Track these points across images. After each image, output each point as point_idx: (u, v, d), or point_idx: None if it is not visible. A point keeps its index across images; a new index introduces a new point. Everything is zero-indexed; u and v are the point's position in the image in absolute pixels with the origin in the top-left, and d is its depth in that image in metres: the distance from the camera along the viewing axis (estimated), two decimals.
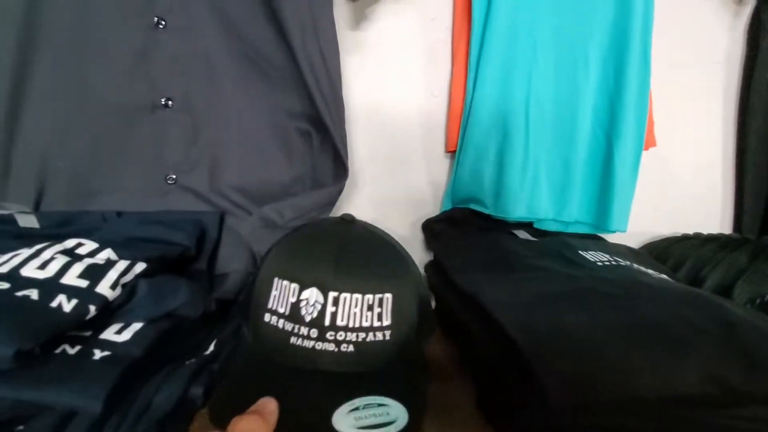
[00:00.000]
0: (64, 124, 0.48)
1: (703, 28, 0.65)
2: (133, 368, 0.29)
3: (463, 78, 0.57)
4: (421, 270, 0.60)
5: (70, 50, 0.47)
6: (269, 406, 0.26)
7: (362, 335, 0.32)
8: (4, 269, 0.29)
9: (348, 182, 0.58)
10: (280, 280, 0.33)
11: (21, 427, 0.26)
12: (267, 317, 0.33)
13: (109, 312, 0.32)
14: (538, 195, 0.57)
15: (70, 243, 0.34)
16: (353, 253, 0.34)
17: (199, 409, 0.33)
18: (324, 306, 0.31)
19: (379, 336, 0.33)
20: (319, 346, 0.31)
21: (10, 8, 0.45)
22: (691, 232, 0.64)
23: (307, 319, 0.31)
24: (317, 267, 0.33)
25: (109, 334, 0.31)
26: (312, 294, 0.32)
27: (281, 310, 0.32)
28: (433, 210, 0.62)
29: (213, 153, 0.52)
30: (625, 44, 0.54)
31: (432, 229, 0.59)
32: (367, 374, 0.31)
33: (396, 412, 0.29)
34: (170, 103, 0.50)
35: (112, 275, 0.32)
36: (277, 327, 0.32)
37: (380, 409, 0.28)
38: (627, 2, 0.53)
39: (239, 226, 0.49)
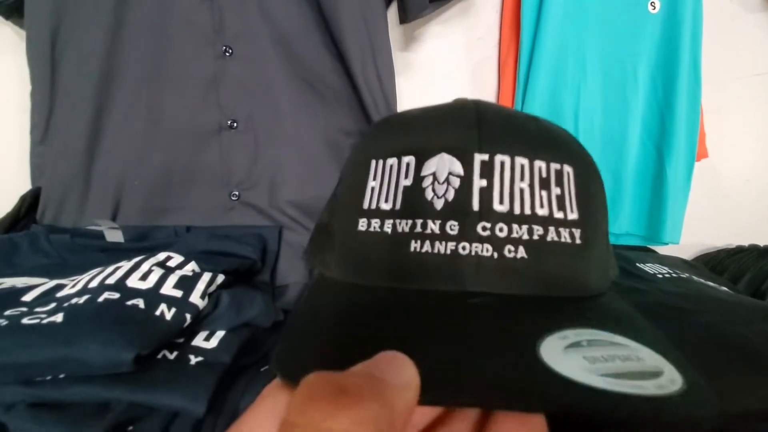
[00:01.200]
0: (140, 147, 0.52)
1: (751, 39, 0.65)
2: (225, 373, 0.31)
3: (511, 93, 0.58)
4: None
5: (147, 80, 0.51)
6: (401, 370, 0.11)
7: (539, 230, 0.19)
8: (112, 280, 0.31)
9: None
10: (382, 161, 0.21)
11: (131, 428, 0.28)
12: (362, 224, 0.20)
13: (198, 320, 0.34)
14: None
15: (161, 256, 0.37)
16: (499, 117, 0.22)
17: None
18: (468, 179, 0.18)
19: (566, 236, 0.19)
20: (465, 248, 0.18)
21: (95, 46, 0.49)
22: (745, 243, 0.63)
23: (439, 205, 0.18)
24: (446, 127, 0.21)
25: (199, 341, 0.34)
26: (443, 162, 0.19)
27: (386, 207, 0.20)
28: None
29: (273, 171, 0.55)
30: (675, 59, 0.55)
31: None
32: (559, 300, 0.18)
33: (651, 360, 0.16)
34: (235, 125, 0.53)
35: (200, 286, 0.35)
36: (382, 233, 0.19)
37: (622, 351, 0.15)
38: (675, 20, 0.54)
39: (297, 241, 0.51)
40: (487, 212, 0.18)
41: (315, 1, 0.51)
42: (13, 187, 0.52)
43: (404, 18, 0.51)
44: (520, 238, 0.18)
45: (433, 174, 0.19)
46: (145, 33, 0.51)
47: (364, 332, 0.16)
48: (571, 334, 0.16)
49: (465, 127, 0.20)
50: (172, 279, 0.33)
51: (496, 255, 0.18)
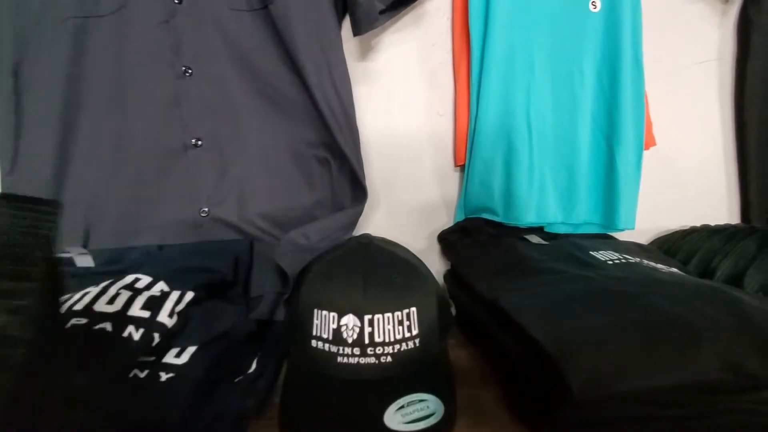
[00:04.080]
0: (108, 169, 0.53)
1: (693, 29, 0.68)
2: (197, 386, 0.33)
3: (466, 97, 0.60)
4: (440, 279, 0.63)
5: (110, 104, 0.52)
6: None
7: (397, 346, 0.37)
8: (80, 306, 0.33)
9: (367, 203, 0.62)
10: (320, 311, 0.38)
11: None
12: (313, 343, 0.38)
13: (168, 338, 0.36)
14: (545, 200, 0.60)
15: (129, 279, 0.38)
16: (377, 276, 0.40)
17: (253, 421, 0.36)
18: (362, 328, 0.37)
19: (411, 344, 0.38)
20: (363, 360, 0.37)
21: (57, 74, 0.50)
22: (698, 224, 0.66)
23: (349, 341, 0.37)
24: (349, 295, 0.38)
25: (170, 357, 0.35)
26: (350, 320, 0.37)
27: (325, 336, 0.38)
28: (447, 222, 0.65)
29: (240, 185, 0.56)
30: (617, 55, 0.58)
31: (447, 240, 0.63)
32: (405, 376, 0.37)
33: (434, 405, 0.35)
34: (200, 142, 0.55)
35: (168, 305, 0.36)
36: (323, 350, 0.38)
37: (421, 404, 0.35)
38: (615, 17, 0.57)
39: (268, 252, 0.52)
40: (372, 343, 0.37)
41: (269, 18, 0.52)
42: None
43: (357, 31, 0.53)
44: (389, 352, 0.37)
45: (346, 325, 0.37)
46: (105, 58, 0.52)
47: (317, 398, 0.37)
48: (402, 401, 0.35)
49: (356, 292, 0.38)
50: (140, 300, 0.35)
51: (377, 362, 0.37)
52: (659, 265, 0.49)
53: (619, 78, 0.58)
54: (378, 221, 0.64)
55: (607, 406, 0.32)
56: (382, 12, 0.53)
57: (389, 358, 0.37)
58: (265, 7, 0.52)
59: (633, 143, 0.59)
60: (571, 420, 0.33)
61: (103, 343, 0.30)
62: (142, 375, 0.32)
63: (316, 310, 0.38)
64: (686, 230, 0.64)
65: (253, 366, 0.43)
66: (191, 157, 0.54)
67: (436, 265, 0.65)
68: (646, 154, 0.64)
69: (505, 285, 0.46)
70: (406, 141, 0.64)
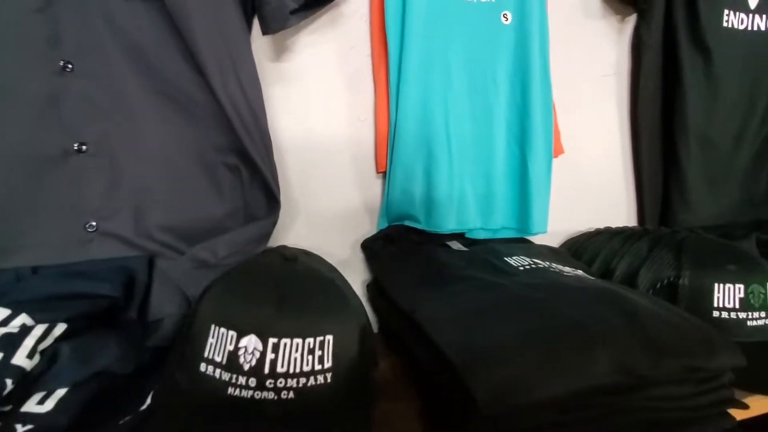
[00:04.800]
0: None
1: (595, 45, 0.73)
2: None
3: (386, 102, 0.59)
4: (363, 290, 0.62)
5: None
6: None
7: (303, 380, 0.32)
8: None
9: (286, 211, 0.59)
10: (218, 327, 0.32)
11: None
12: (203, 367, 0.32)
13: (29, 382, 0.30)
14: (465, 207, 0.61)
15: None
16: (293, 294, 0.34)
17: None
18: (263, 353, 0.31)
19: (321, 379, 0.33)
20: (258, 395, 0.31)
21: None
22: (602, 226, 0.72)
23: (246, 367, 0.31)
24: (256, 311, 0.32)
25: (31, 405, 0.30)
26: (250, 341, 0.31)
27: (218, 359, 0.32)
28: (370, 230, 0.64)
29: (137, 195, 0.50)
30: (527, 66, 0.60)
31: (370, 248, 0.61)
32: (310, 414, 0.32)
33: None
34: (84, 147, 0.48)
35: (28, 343, 0.31)
36: (213, 377, 0.31)
37: None
38: (525, 30, 0.59)
39: (170, 269, 0.47)
40: (273, 373, 0.31)
41: (166, 12, 0.47)
42: None
43: (265, 30, 0.50)
44: (292, 386, 0.31)
45: (245, 347, 0.31)
46: None
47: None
48: None
49: (269, 314, 0.32)
50: None
51: (276, 398, 0.31)
52: (566, 269, 0.51)
53: (530, 88, 0.60)
54: (298, 230, 0.61)
55: (514, 417, 0.32)
56: (294, 12, 0.50)
57: (291, 394, 0.31)
58: None
59: (543, 150, 0.62)
60: None
61: None
62: None
63: (213, 327, 0.32)
64: (592, 232, 0.69)
65: (147, 401, 0.38)
66: (73, 164, 0.47)
67: (360, 276, 0.64)
68: (555, 161, 0.68)
69: (422, 295, 0.46)
70: (326, 146, 0.61)
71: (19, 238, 0.46)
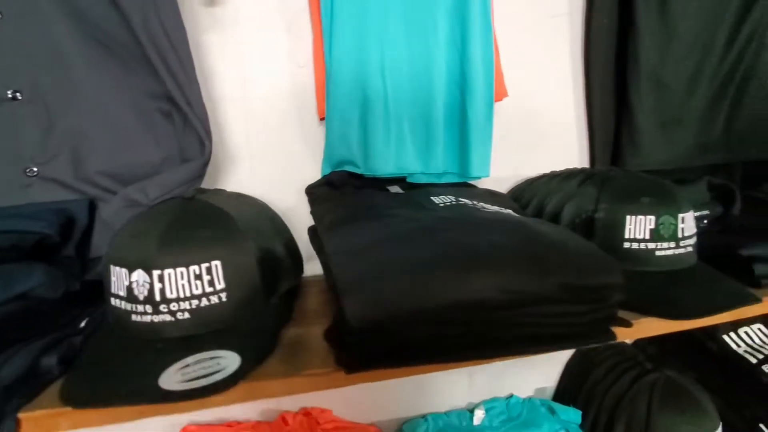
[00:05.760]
0: None
1: None
2: None
3: (322, 47, 0.59)
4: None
5: None
6: None
7: (195, 302, 0.35)
8: None
9: (229, 157, 0.61)
10: (114, 267, 0.36)
11: None
12: (112, 300, 0.37)
13: None
14: (404, 152, 0.62)
15: None
16: (180, 229, 0.37)
17: (56, 378, 0.35)
18: (151, 284, 0.35)
19: (215, 299, 0.36)
20: (157, 318, 0.35)
21: None
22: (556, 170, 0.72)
23: (141, 298, 0.35)
24: (140, 248, 0.36)
25: None
26: (139, 275, 0.35)
27: (121, 294, 0.36)
28: (314, 176, 0.65)
29: (74, 141, 0.52)
30: (466, 7, 0.59)
31: (313, 194, 0.63)
32: (207, 334, 0.36)
33: (227, 361, 0.34)
34: (18, 95, 0.50)
35: None
36: (120, 308, 0.36)
37: (211, 362, 0.33)
38: None
39: (102, 209, 0.50)
40: (164, 299, 0.35)
41: None
42: None
43: None
44: (186, 308, 0.35)
45: (136, 281, 0.35)
46: None
47: (105, 361, 0.35)
48: (190, 359, 0.34)
49: (148, 245, 0.36)
50: None
51: (173, 319, 0.35)
52: (490, 206, 0.53)
53: (468, 30, 0.59)
54: (242, 179, 0.63)
55: (393, 329, 0.35)
56: None
57: (186, 314, 0.35)
58: None
59: (483, 93, 0.61)
60: (349, 344, 0.35)
61: None
62: None
63: (111, 266, 0.36)
64: (536, 177, 0.69)
65: (82, 325, 0.41)
66: (7, 110, 0.49)
67: (306, 221, 0.66)
68: (504, 104, 0.68)
69: (341, 232, 0.47)
70: (267, 94, 0.62)
71: None
